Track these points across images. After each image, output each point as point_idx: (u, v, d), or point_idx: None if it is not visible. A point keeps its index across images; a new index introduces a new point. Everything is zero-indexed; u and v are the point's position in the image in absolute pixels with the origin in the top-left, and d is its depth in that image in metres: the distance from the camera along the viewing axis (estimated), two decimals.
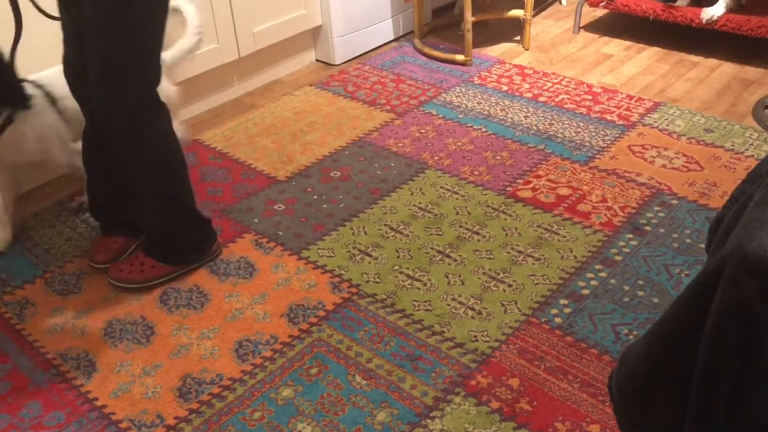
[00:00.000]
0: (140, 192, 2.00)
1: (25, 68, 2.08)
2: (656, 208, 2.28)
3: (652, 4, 3.27)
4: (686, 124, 2.75)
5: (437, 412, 1.65)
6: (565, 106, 2.92)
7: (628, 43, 3.47)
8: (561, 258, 2.10)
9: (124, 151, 1.92)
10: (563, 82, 3.10)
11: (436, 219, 2.29)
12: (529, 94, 3.02)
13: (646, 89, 3.03)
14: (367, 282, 2.05)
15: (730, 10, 3.09)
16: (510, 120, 2.83)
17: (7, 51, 1.89)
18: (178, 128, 2.23)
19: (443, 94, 3.05)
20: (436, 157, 2.61)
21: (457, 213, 2.31)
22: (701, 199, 2.31)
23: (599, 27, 3.67)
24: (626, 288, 1.98)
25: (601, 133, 2.71)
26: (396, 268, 2.09)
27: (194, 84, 2.94)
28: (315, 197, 2.43)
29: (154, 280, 2.06)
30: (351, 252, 2.17)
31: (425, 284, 2.03)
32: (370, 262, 2.12)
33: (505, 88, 3.08)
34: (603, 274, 2.03)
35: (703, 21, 3.10)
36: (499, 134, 2.74)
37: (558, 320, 1.88)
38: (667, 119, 2.78)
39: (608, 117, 2.82)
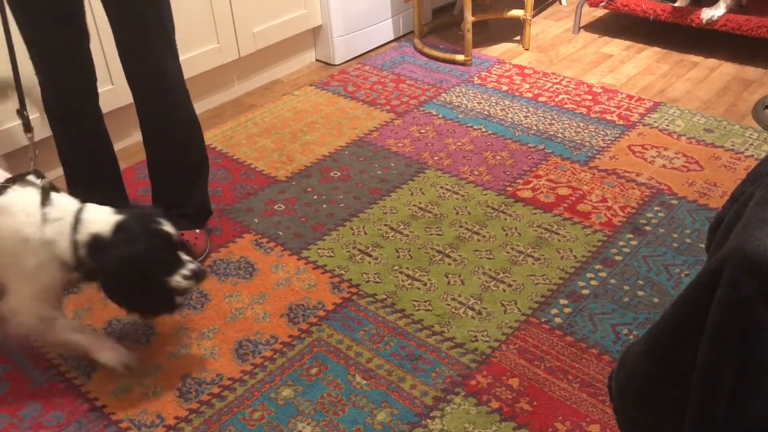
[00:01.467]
0: (190, 156, 2.15)
1: None
2: (656, 208, 2.28)
3: (652, 4, 3.27)
4: (686, 124, 2.75)
5: (437, 412, 1.65)
6: (565, 106, 2.91)
7: (628, 43, 3.47)
8: (561, 258, 2.10)
9: (182, 113, 2.07)
10: (563, 82, 3.10)
11: (436, 219, 2.29)
12: (529, 94, 3.02)
13: (646, 89, 3.03)
14: (367, 282, 2.05)
15: (730, 10, 3.09)
16: (510, 120, 2.83)
17: None
18: None
19: (443, 94, 3.05)
20: (436, 157, 2.61)
21: (457, 213, 2.31)
22: (701, 199, 2.31)
23: (599, 27, 3.67)
24: (626, 288, 1.97)
25: (601, 133, 2.71)
26: (396, 268, 2.09)
27: (194, 84, 2.93)
28: (315, 197, 2.43)
29: (208, 245, 2.19)
30: (351, 252, 2.17)
31: (425, 284, 2.03)
32: (370, 262, 2.12)
33: (505, 88, 3.08)
34: (603, 274, 2.03)
35: (703, 21, 3.10)
36: (499, 134, 2.74)
37: (558, 320, 1.88)
38: (667, 119, 2.78)
39: (608, 117, 2.82)
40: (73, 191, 2.13)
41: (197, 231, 2.19)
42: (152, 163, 2.16)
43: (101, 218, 1.60)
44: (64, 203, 1.63)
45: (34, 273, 1.61)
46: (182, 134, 2.11)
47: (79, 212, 1.61)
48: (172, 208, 2.11)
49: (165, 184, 2.18)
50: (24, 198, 1.60)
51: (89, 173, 2.13)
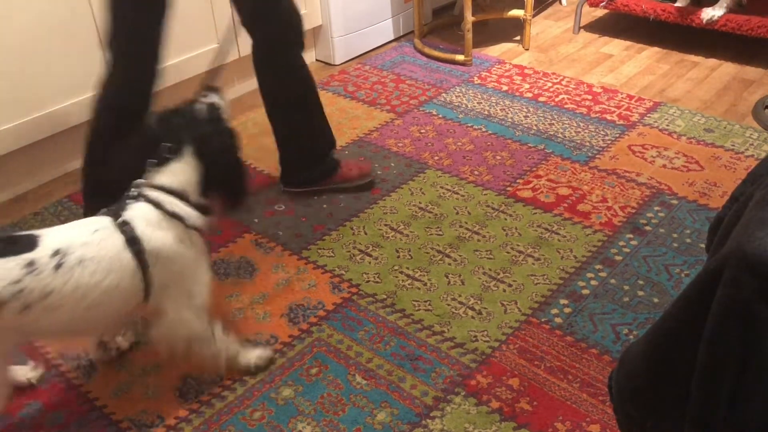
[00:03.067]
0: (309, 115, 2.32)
1: None
2: (656, 208, 2.28)
3: (652, 4, 3.27)
4: (686, 124, 2.75)
5: (437, 412, 1.65)
6: (565, 106, 2.91)
7: (628, 43, 3.47)
8: (561, 258, 2.09)
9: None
10: (563, 82, 3.10)
11: (436, 219, 2.29)
12: (529, 94, 3.02)
13: (646, 89, 3.03)
14: (367, 282, 2.04)
15: (730, 10, 3.09)
16: (510, 120, 2.83)
17: None
18: None
19: (443, 94, 3.05)
20: (436, 157, 2.61)
21: (457, 213, 2.31)
22: (701, 199, 2.31)
23: (599, 27, 3.67)
24: (626, 288, 1.97)
25: (601, 133, 2.71)
26: (396, 268, 2.09)
27: (194, 84, 2.93)
28: (315, 197, 2.43)
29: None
30: (351, 252, 2.17)
31: (425, 284, 2.03)
32: (370, 262, 2.12)
33: (505, 88, 3.08)
34: (603, 274, 2.03)
35: (704, 21, 3.10)
36: (499, 134, 2.74)
37: (558, 320, 1.88)
38: (667, 119, 2.78)
39: (608, 117, 2.82)
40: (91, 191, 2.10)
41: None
42: (281, 128, 2.34)
43: (170, 170, 1.56)
44: (151, 191, 1.55)
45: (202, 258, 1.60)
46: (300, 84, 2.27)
47: (162, 185, 1.55)
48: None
49: (291, 146, 2.34)
50: (140, 205, 1.53)
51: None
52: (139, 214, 1.51)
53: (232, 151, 1.63)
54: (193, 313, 1.61)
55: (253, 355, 1.76)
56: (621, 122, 2.78)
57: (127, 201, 1.54)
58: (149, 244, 1.49)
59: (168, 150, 1.56)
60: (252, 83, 3.20)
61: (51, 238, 1.43)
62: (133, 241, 1.48)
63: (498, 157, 2.59)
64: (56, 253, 1.40)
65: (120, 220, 1.49)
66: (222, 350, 1.69)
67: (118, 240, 1.47)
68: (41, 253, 1.39)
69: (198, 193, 1.58)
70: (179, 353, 1.62)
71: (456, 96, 3.03)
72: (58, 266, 1.39)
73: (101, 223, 1.49)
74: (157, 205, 1.52)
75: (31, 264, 1.37)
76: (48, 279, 1.37)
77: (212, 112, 1.63)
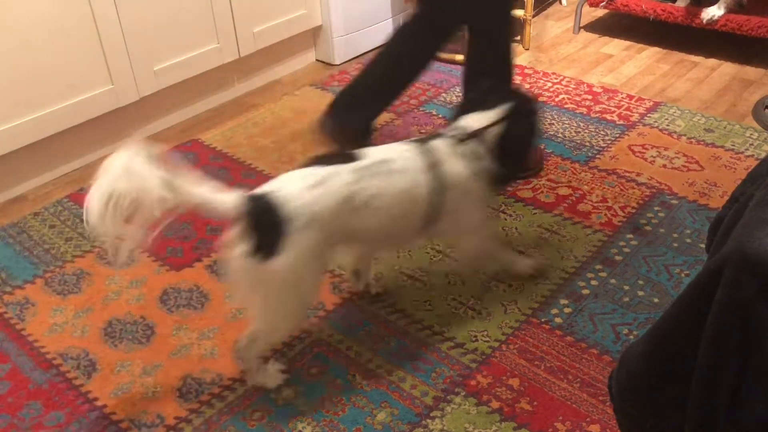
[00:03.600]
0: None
1: None
2: (656, 208, 2.28)
3: (652, 4, 3.27)
4: (686, 124, 2.75)
5: (437, 412, 1.65)
6: (565, 106, 2.91)
7: (628, 43, 3.47)
8: (561, 258, 2.09)
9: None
10: (563, 82, 3.10)
11: None
12: None
13: (646, 89, 3.03)
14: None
15: (730, 10, 3.09)
16: None
17: None
18: None
19: (443, 94, 3.05)
20: None
21: None
22: (701, 199, 2.31)
23: (599, 27, 3.67)
24: (626, 288, 1.97)
25: (601, 133, 2.71)
26: (396, 268, 2.09)
27: (194, 84, 2.94)
28: None
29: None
30: None
31: (425, 284, 2.03)
32: None
33: None
34: (603, 274, 2.03)
35: (704, 21, 3.11)
36: None
37: (558, 320, 1.88)
38: (667, 119, 2.78)
39: (608, 117, 2.82)
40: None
41: None
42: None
43: (482, 118, 1.77)
44: (457, 130, 1.77)
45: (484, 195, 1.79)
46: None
47: (472, 128, 1.76)
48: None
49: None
50: (443, 140, 1.74)
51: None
52: (442, 145, 1.71)
53: (531, 131, 1.85)
54: (479, 238, 1.87)
55: (527, 264, 2.01)
56: (621, 122, 2.78)
57: (432, 135, 1.75)
58: (446, 171, 1.67)
59: (490, 103, 1.78)
60: (251, 83, 3.22)
61: (374, 152, 1.64)
62: (434, 165, 1.66)
63: None
64: (383, 161, 1.61)
65: (425, 146, 1.69)
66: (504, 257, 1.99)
67: (422, 162, 1.66)
68: (370, 161, 1.60)
69: (493, 150, 1.76)
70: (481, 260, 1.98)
71: (456, 96, 3.03)
72: (384, 172, 1.60)
73: (410, 146, 1.70)
74: (459, 142, 1.72)
75: (363, 168, 1.58)
76: (375, 181, 1.58)
77: (533, 99, 1.89)
